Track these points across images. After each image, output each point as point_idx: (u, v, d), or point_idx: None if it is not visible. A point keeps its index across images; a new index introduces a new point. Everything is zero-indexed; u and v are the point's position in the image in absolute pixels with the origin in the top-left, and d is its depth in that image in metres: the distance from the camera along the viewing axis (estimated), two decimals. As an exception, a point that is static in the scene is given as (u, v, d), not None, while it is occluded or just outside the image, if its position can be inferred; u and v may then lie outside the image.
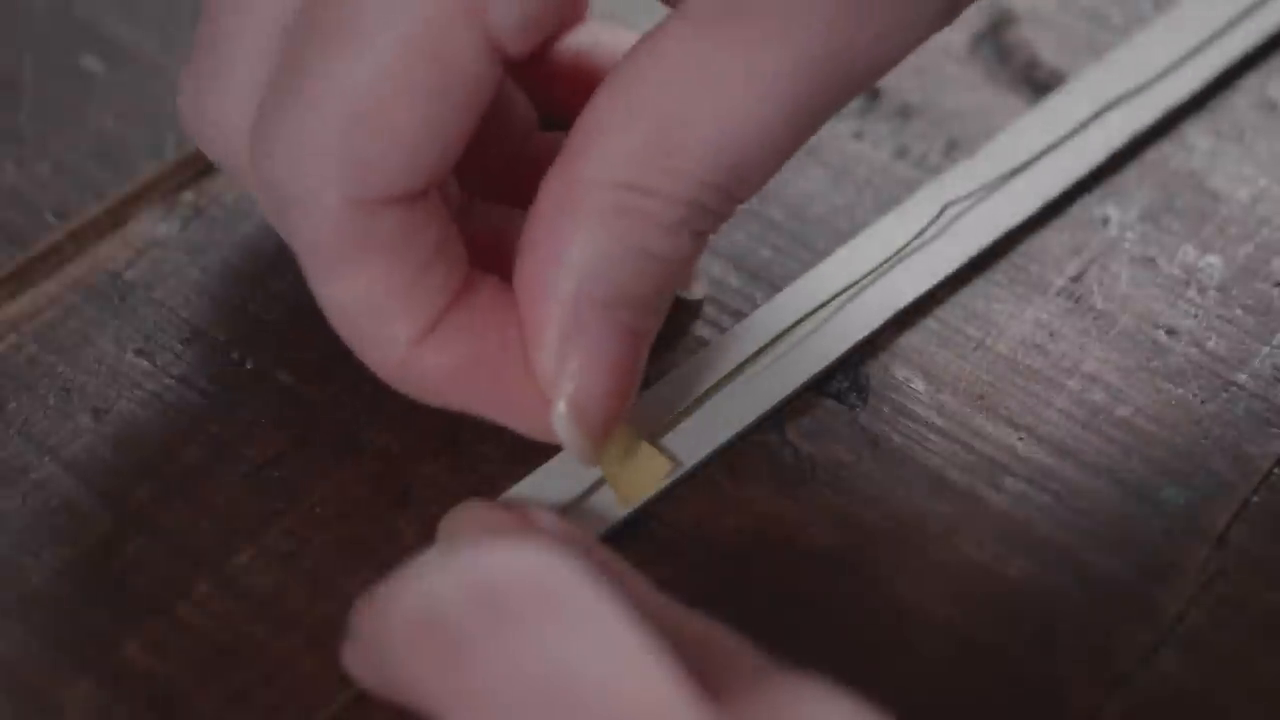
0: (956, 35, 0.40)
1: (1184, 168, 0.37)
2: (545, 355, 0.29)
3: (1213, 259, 0.36)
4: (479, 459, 0.32)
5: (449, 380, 0.29)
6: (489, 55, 0.27)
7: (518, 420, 0.30)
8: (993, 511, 0.32)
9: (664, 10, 0.33)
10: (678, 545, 0.31)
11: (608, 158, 0.28)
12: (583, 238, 0.28)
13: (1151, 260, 0.36)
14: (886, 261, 0.35)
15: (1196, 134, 0.38)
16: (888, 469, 0.32)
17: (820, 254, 0.35)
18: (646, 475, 0.31)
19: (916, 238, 0.35)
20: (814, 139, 0.37)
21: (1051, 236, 0.36)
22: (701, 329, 0.34)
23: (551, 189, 0.29)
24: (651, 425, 0.32)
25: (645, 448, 0.31)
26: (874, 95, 0.39)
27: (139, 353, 0.34)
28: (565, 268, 0.28)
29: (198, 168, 0.37)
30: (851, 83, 0.28)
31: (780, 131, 0.28)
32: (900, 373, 0.34)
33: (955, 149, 0.38)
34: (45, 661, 0.30)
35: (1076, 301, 0.35)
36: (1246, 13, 0.39)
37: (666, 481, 0.32)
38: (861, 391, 0.34)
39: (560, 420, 0.29)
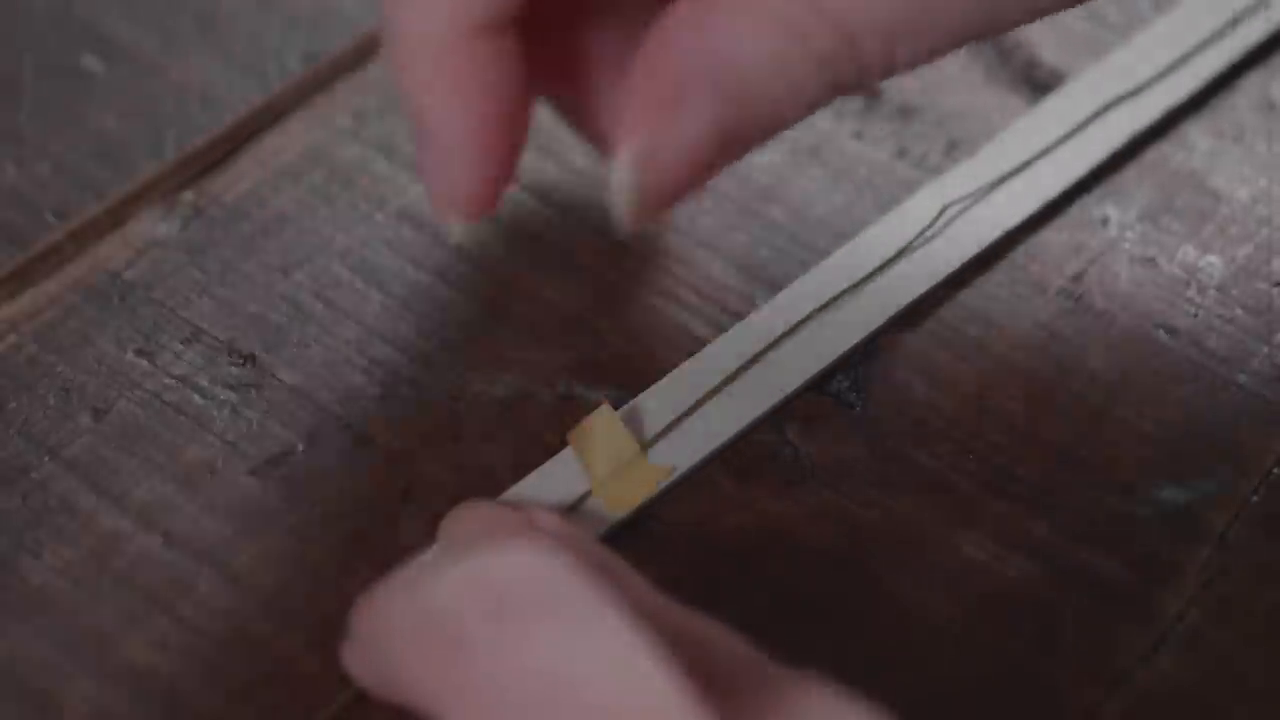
0: (956, 35, 0.40)
1: (1184, 168, 0.37)
2: (639, 100, 0.28)
3: (1213, 259, 0.36)
4: (480, 458, 0.32)
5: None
6: None
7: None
8: (992, 512, 0.32)
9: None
10: (678, 545, 0.31)
11: None
12: (736, 32, 0.27)
13: (1151, 260, 0.36)
14: (886, 261, 0.35)
15: (1196, 134, 0.38)
16: (888, 469, 0.32)
17: (820, 254, 0.35)
18: (638, 485, 0.31)
19: (916, 238, 0.35)
20: (814, 139, 0.38)
21: (1051, 236, 0.36)
22: (701, 329, 0.34)
23: None
24: (651, 426, 0.32)
25: (641, 459, 0.31)
26: (874, 95, 0.39)
27: (139, 353, 0.34)
28: (704, 44, 0.28)
29: (198, 168, 0.37)
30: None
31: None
32: (900, 373, 0.34)
33: (955, 149, 0.38)
34: (45, 661, 0.30)
35: (1076, 301, 0.35)
36: (1246, 12, 0.39)
37: (659, 488, 0.32)
38: (861, 391, 0.34)
39: (619, 168, 0.29)
